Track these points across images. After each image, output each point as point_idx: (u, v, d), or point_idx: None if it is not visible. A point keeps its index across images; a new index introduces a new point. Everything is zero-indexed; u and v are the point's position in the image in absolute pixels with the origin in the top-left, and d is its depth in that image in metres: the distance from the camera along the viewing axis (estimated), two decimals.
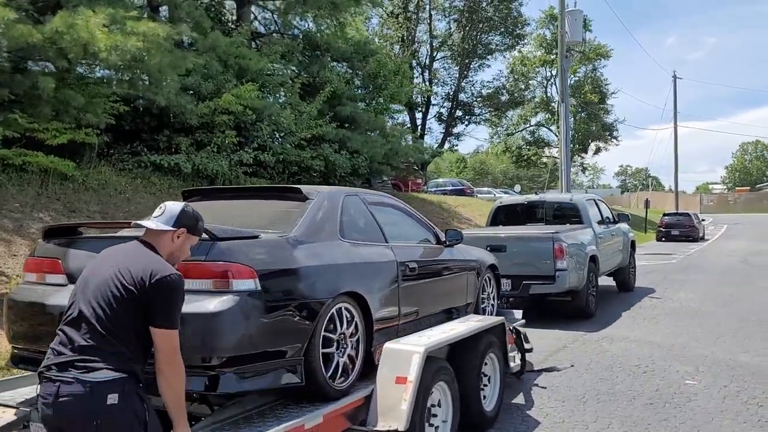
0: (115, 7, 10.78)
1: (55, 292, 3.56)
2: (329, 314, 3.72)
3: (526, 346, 6.01)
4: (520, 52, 45.15)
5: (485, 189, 44.50)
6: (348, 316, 3.92)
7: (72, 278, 3.51)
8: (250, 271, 3.24)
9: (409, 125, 38.89)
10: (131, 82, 11.57)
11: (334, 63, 21.15)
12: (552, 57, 41.91)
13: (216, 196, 4.75)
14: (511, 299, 9.57)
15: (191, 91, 14.13)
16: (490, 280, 6.37)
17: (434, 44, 42.49)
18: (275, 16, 21.18)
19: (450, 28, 42.53)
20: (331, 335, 3.75)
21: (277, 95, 16.80)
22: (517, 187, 52.45)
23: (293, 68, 18.84)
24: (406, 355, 3.84)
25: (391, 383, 3.77)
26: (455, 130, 44.29)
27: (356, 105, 20.05)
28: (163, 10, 15.90)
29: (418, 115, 41.52)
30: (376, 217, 4.69)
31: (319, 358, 3.62)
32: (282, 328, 3.39)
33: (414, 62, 39.67)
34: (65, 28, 9.81)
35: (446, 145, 45.32)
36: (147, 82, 11.97)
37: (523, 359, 5.90)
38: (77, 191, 10.71)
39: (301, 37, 20.47)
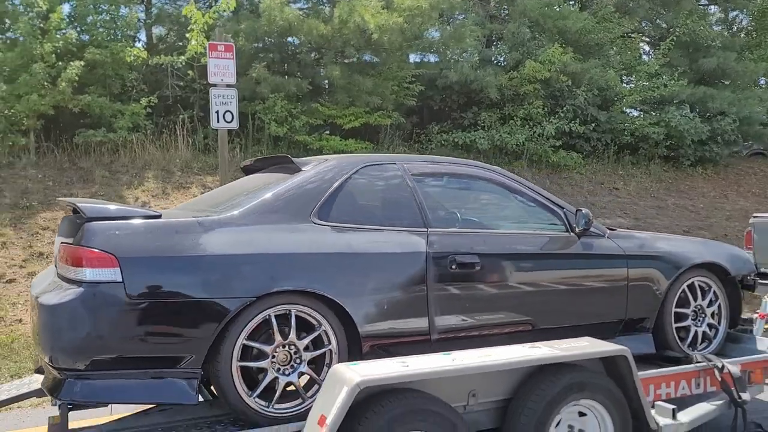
0: None
1: None
2: (254, 318, 2.86)
3: (744, 396, 3.74)
4: None
5: None
6: (301, 323, 2.98)
7: None
8: (108, 257, 2.68)
9: None
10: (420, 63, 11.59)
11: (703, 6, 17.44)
12: None
13: (248, 170, 4.16)
14: None
15: (496, 63, 13.48)
16: (705, 288, 4.18)
17: None
18: None
19: None
20: (260, 345, 2.90)
21: (606, 54, 14.63)
22: None
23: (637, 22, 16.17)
24: (337, 385, 2.69)
25: (314, 422, 2.70)
26: None
27: (727, 54, 16.06)
28: None
29: None
30: (421, 195, 3.45)
31: (230, 373, 2.82)
32: (162, 331, 2.73)
33: None
34: (346, 16, 10.40)
35: None
36: (432, 60, 11.83)
37: (736, 417, 3.69)
38: None
39: None
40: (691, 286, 4.10)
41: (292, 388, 2.99)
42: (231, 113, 8.39)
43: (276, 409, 2.92)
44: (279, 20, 10.41)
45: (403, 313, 3.22)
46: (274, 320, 2.91)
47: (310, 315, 3.00)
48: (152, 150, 10.32)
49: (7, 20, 9.81)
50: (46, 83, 9.45)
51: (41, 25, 9.73)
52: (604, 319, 3.84)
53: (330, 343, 3.04)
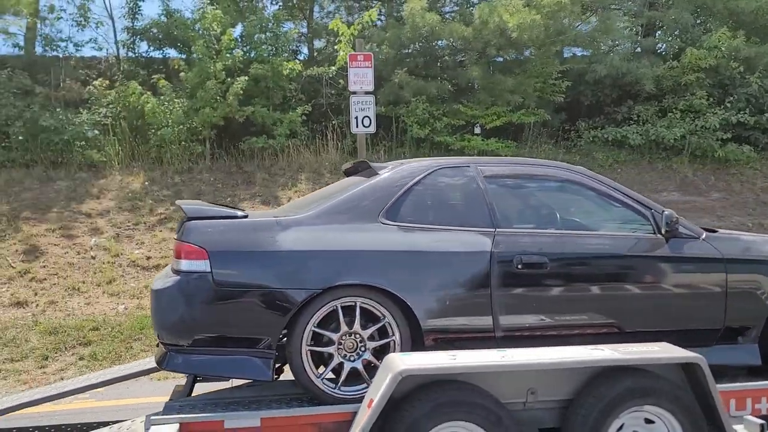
0: None
1: None
2: (322, 308, 3.21)
3: None
4: None
5: None
6: (367, 314, 3.27)
7: None
8: (199, 251, 3.19)
9: None
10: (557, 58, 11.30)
11: None
12: None
13: (348, 172, 4.47)
14: None
15: (657, 53, 12.62)
16: None
17: None
18: None
19: None
20: (328, 333, 3.24)
21: None
22: None
23: None
24: (385, 373, 2.92)
25: (365, 405, 2.96)
26: None
27: None
28: None
29: None
30: (492, 196, 3.56)
31: (301, 356, 3.20)
32: (242, 316, 3.19)
33: None
34: (486, 17, 10.49)
35: None
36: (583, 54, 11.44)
37: None
38: None
39: None
40: None
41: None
42: (369, 118, 8.94)
43: (342, 390, 3.24)
44: (421, 26, 10.78)
45: (466, 310, 3.37)
46: (340, 311, 3.24)
47: (374, 308, 3.28)
48: (306, 154, 11.24)
49: (190, 44, 11.26)
50: (218, 97, 10.72)
51: (216, 46, 11.05)
52: (697, 326, 3.66)
53: (393, 334, 3.30)
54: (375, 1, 12.33)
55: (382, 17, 13.42)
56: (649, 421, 3.13)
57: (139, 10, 13.62)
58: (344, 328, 3.25)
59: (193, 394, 3.78)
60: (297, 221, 3.38)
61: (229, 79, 10.81)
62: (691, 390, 3.22)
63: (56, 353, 6.49)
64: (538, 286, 3.46)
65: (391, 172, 3.65)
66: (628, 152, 12.03)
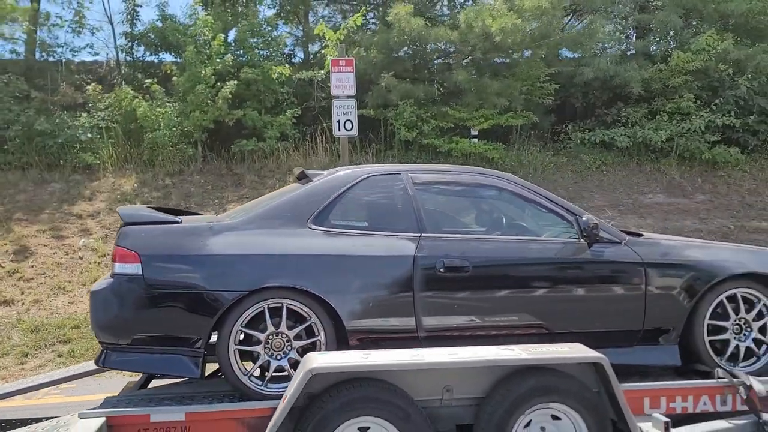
0: None
1: None
2: (249, 309, 3.40)
3: (765, 416, 3.45)
4: None
5: None
6: (295, 315, 3.45)
7: None
8: (132, 255, 3.39)
9: None
10: (544, 60, 11.40)
11: None
12: None
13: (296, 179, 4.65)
14: None
15: (647, 55, 12.65)
16: (753, 300, 3.88)
17: None
18: None
19: None
20: (255, 333, 3.43)
21: None
22: None
23: None
24: (300, 370, 3.10)
25: (282, 401, 3.14)
26: None
27: None
28: None
29: None
30: (420, 203, 3.73)
31: (228, 354, 3.39)
32: (171, 317, 3.39)
33: None
34: (472, 21, 10.63)
35: None
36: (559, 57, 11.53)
37: None
38: None
39: None
40: (732, 298, 3.86)
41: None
42: (351, 122, 9.12)
43: (268, 388, 3.42)
44: (408, 31, 10.93)
45: (389, 312, 3.54)
46: (267, 312, 3.42)
47: (301, 309, 3.46)
48: (295, 156, 11.45)
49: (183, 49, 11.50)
50: (208, 101, 10.95)
51: (207, 51, 11.28)
52: (617, 327, 3.80)
53: (319, 334, 3.47)
54: (366, 6, 12.49)
55: (375, 21, 13.60)
56: (555, 418, 3.28)
57: (137, 15, 13.95)
58: (271, 328, 3.43)
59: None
60: (229, 226, 3.56)
61: (219, 84, 11.04)
62: (604, 389, 3.36)
63: (36, 350, 6.74)
64: (460, 288, 3.61)
65: (324, 179, 3.82)
66: (617, 154, 12.10)
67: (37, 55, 12.87)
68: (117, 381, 5.81)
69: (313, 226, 3.60)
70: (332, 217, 3.65)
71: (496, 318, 3.67)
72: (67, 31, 12.88)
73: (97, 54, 13.07)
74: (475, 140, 11.75)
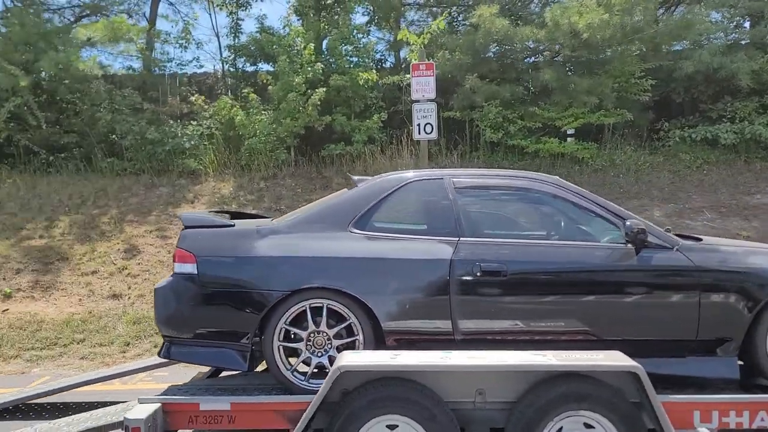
0: None
1: None
2: (292, 308, 3.61)
3: None
4: None
5: None
6: (336, 315, 3.63)
7: None
8: (189, 255, 3.71)
9: None
10: (639, 55, 10.87)
11: None
12: None
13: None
14: None
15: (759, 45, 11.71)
16: None
17: None
18: None
19: None
20: (297, 330, 3.63)
21: None
22: None
23: None
24: (333, 368, 3.25)
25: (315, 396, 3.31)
26: None
27: None
28: None
29: None
30: (460, 207, 3.78)
31: (272, 350, 3.62)
32: (222, 313, 3.67)
33: None
34: (558, 19, 10.38)
35: None
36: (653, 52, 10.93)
37: None
38: (583, 173, 11.05)
39: None
40: None
41: None
42: (431, 125, 9.22)
43: (310, 383, 3.62)
44: (494, 32, 10.86)
45: (425, 314, 3.63)
46: (308, 311, 3.62)
47: (341, 309, 3.63)
48: (381, 159, 11.68)
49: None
50: (300, 108, 11.46)
51: (298, 60, 11.79)
52: (667, 336, 3.65)
53: (358, 334, 3.63)
54: (452, 8, 12.51)
55: (464, 23, 13.58)
56: (588, 426, 3.23)
57: (240, 28, 14.83)
58: (312, 326, 3.63)
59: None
60: (274, 229, 3.81)
61: (309, 91, 11.50)
62: (646, 399, 3.26)
63: (137, 340, 7.40)
64: (497, 293, 3.63)
65: (369, 184, 3.97)
66: (721, 152, 11.31)
67: (152, 70, 14.02)
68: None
69: (354, 230, 3.76)
70: (374, 221, 3.79)
71: (535, 323, 3.65)
72: (175, 47, 13.93)
73: (202, 66, 14.04)
74: (571, 140, 11.46)
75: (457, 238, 3.70)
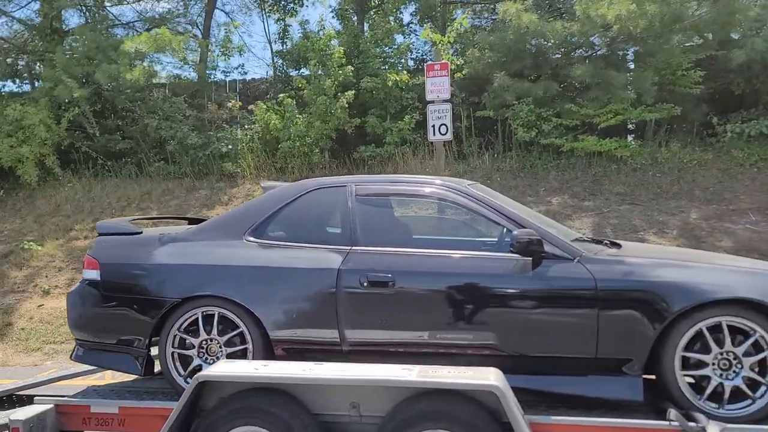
0: None
1: None
2: (184, 315, 3.68)
3: None
4: None
5: None
6: (229, 323, 3.65)
7: None
8: (94, 262, 3.86)
9: None
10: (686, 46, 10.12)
11: None
12: None
13: None
14: None
15: None
16: (748, 331, 3.21)
17: None
18: None
19: None
20: (189, 338, 3.69)
21: None
22: None
23: None
24: (194, 378, 3.25)
25: None
26: None
27: None
28: None
29: None
30: (357, 215, 3.69)
31: (165, 356, 3.70)
32: (120, 319, 3.79)
33: None
34: (588, 11, 9.87)
35: None
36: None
37: None
38: (621, 172, 10.43)
39: None
40: (715, 328, 3.24)
41: None
42: (446, 126, 9.05)
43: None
44: (524, 28, 10.48)
45: (313, 323, 3.58)
46: (200, 318, 3.67)
47: (232, 318, 3.65)
48: (413, 161, 11.58)
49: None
50: (330, 111, 11.57)
51: (331, 63, 11.91)
52: (564, 354, 3.39)
53: (247, 342, 3.63)
54: (482, 5, 12.19)
55: (494, 19, 13.19)
56: None
57: (288, 34, 15.19)
58: (203, 334, 3.68)
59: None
60: (174, 237, 3.88)
61: (339, 94, 11.58)
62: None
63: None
64: (384, 303, 3.52)
65: (272, 192, 3.97)
66: None
67: (206, 78, 14.64)
68: None
69: (249, 239, 3.76)
70: (270, 230, 3.79)
71: (424, 336, 3.50)
72: (224, 55, 14.46)
73: (245, 73, 14.49)
74: (630, 137, 10.87)
75: (349, 248, 3.62)
